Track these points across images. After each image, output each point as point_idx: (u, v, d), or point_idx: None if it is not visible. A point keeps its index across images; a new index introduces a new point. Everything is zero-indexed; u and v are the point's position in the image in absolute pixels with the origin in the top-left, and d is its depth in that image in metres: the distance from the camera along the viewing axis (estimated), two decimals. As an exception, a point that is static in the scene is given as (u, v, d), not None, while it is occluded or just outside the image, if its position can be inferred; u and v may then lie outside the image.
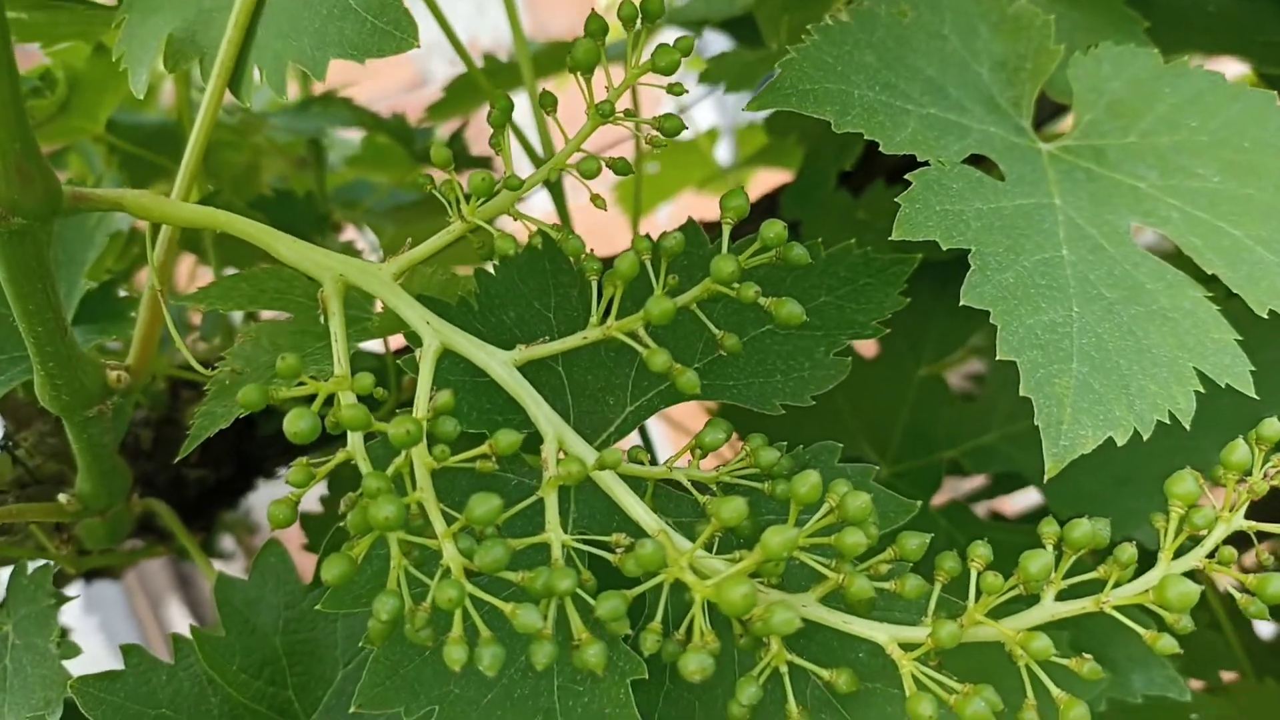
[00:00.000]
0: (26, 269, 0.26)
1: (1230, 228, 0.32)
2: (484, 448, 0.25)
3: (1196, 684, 0.57)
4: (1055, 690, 0.26)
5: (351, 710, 0.28)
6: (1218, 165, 0.34)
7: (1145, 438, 0.26)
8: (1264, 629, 0.69)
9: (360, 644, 0.28)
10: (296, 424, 0.23)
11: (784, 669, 0.27)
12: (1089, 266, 0.30)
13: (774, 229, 0.27)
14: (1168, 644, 0.26)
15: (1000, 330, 0.26)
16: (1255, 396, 0.28)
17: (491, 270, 0.35)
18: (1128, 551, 0.26)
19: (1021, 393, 0.26)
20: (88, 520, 0.41)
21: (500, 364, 0.27)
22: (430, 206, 0.69)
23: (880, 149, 0.29)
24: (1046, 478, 0.25)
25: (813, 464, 0.31)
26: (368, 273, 0.27)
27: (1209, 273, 0.31)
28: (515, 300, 0.35)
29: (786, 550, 0.23)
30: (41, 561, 0.38)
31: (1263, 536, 0.27)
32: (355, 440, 0.25)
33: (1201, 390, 0.28)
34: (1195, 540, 0.27)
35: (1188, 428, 0.27)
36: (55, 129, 0.47)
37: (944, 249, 0.27)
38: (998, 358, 0.26)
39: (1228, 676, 0.58)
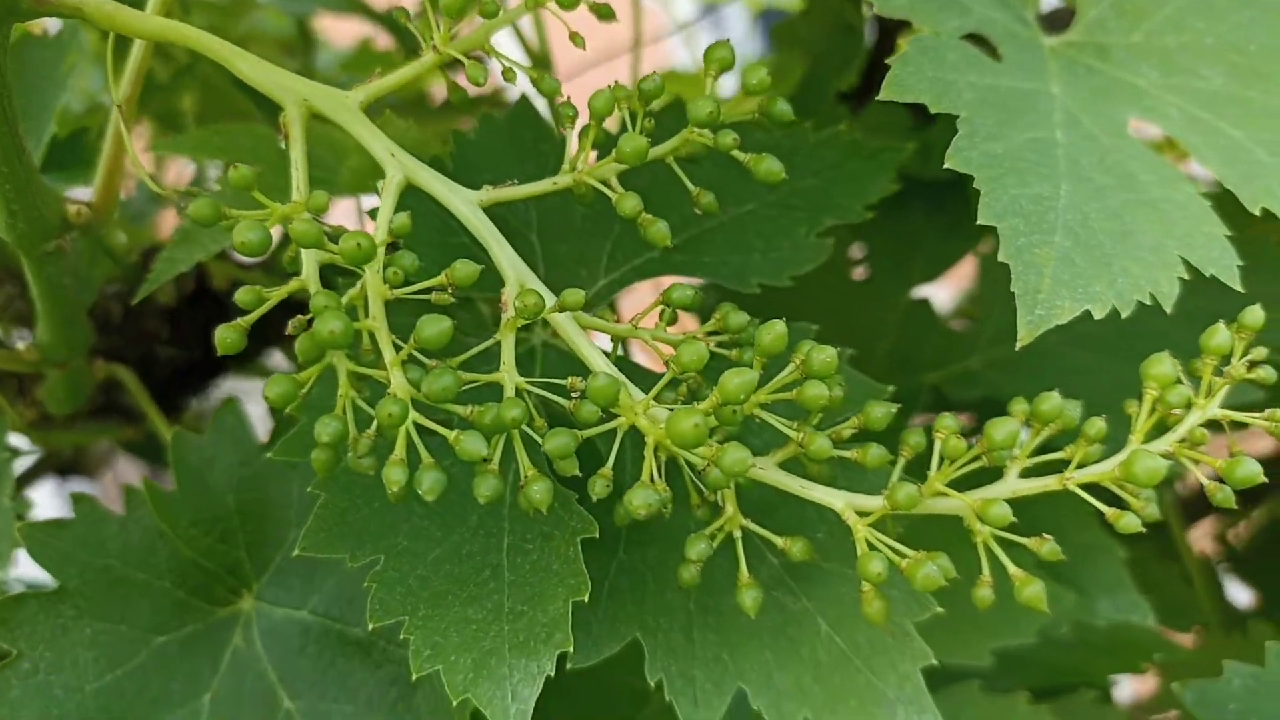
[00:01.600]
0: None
1: (1230, 128, 0.31)
2: (440, 278, 0.24)
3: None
4: (1012, 568, 0.25)
5: (295, 553, 0.27)
6: (1223, 68, 0.33)
7: (1124, 315, 0.25)
8: (1239, 597, 0.69)
9: (309, 489, 0.27)
10: (245, 234, 0.22)
11: (737, 534, 0.26)
12: (1081, 151, 0.29)
13: (756, 74, 0.26)
14: (1130, 523, 0.25)
15: (983, 196, 0.25)
16: (1240, 289, 0.27)
17: (470, 133, 0.34)
18: (1096, 425, 0.26)
19: (1000, 258, 0.25)
20: (49, 382, 0.41)
21: (465, 203, 0.26)
22: (443, 110, 0.67)
23: (875, 9, 0.28)
24: (1020, 344, 0.24)
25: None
26: (333, 98, 0.26)
27: (1204, 167, 0.30)
28: (492, 165, 0.34)
29: (744, 393, 0.22)
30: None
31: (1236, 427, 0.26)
32: (309, 261, 0.24)
33: (1186, 277, 0.27)
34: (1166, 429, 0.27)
35: (1168, 311, 0.26)
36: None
37: (931, 111, 0.26)
38: (979, 221, 0.25)
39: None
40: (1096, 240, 0.26)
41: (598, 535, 0.27)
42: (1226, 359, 0.26)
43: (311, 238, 0.23)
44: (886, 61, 0.27)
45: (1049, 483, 0.25)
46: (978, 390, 0.48)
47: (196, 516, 0.34)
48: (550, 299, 0.26)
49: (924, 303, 0.50)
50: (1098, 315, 0.25)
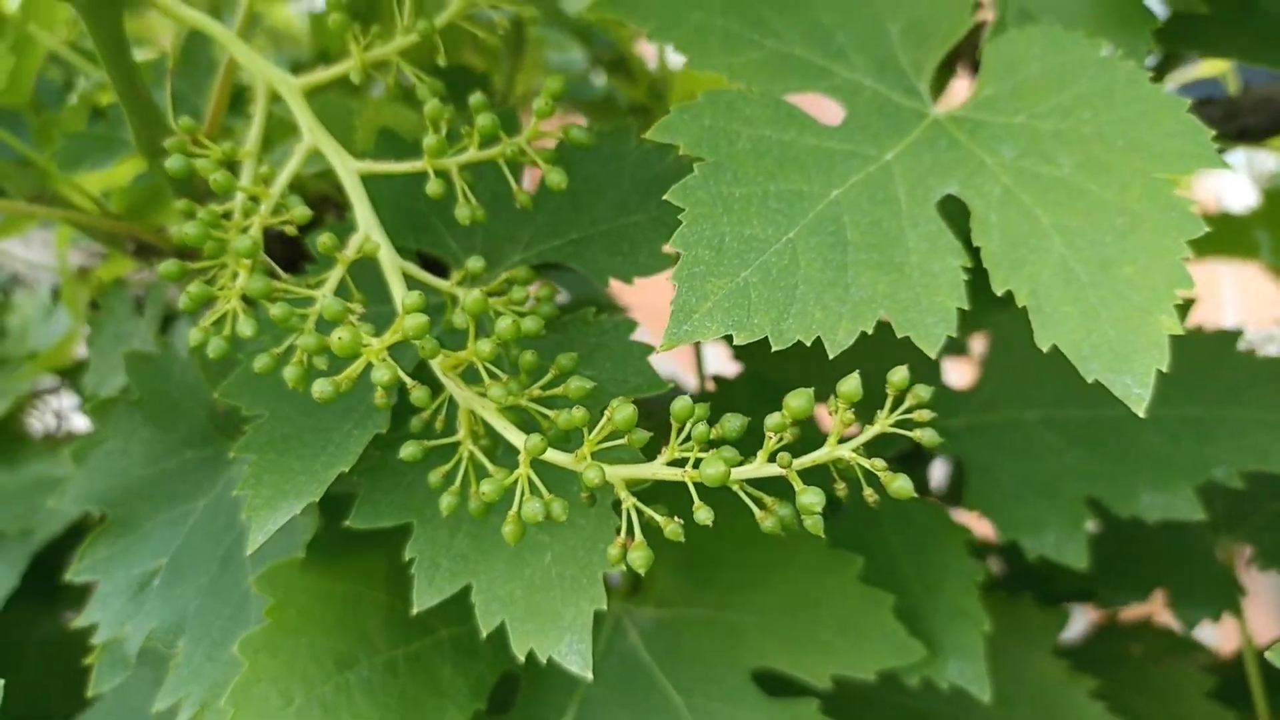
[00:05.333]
0: (114, 41, 0.39)
1: (1043, 214, 0.32)
2: (290, 215, 0.34)
3: None
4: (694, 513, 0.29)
5: (215, 396, 0.39)
6: (1081, 158, 0.33)
7: (774, 349, 0.29)
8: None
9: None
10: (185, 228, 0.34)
11: (464, 454, 0.33)
12: (854, 210, 0.32)
13: (555, 82, 0.33)
14: (771, 525, 0.28)
15: (683, 227, 0.30)
16: (931, 356, 0.29)
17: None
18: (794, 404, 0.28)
19: (672, 278, 0.30)
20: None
21: (345, 169, 0.35)
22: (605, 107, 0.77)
23: (688, 64, 0.33)
24: (658, 352, 0.29)
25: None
26: (285, 83, 0.36)
27: (975, 245, 0.31)
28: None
29: (510, 335, 0.30)
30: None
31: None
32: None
33: (868, 332, 0.29)
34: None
35: (830, 357, 0.29)
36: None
37: (681, 153, 0.31)
38: (665, 246, 0.30)
39: None
40: (791, 283, 0.30)
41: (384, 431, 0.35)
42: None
43: (225, 186, 0.34)
44: (671, 106, 0.32)
45: (675, 473, 0.30)
46: (951, 449, 0.49)
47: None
48: (387, 248, 0.35)
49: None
50: (738, 341, 0.29)
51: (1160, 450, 0.41)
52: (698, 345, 0.59)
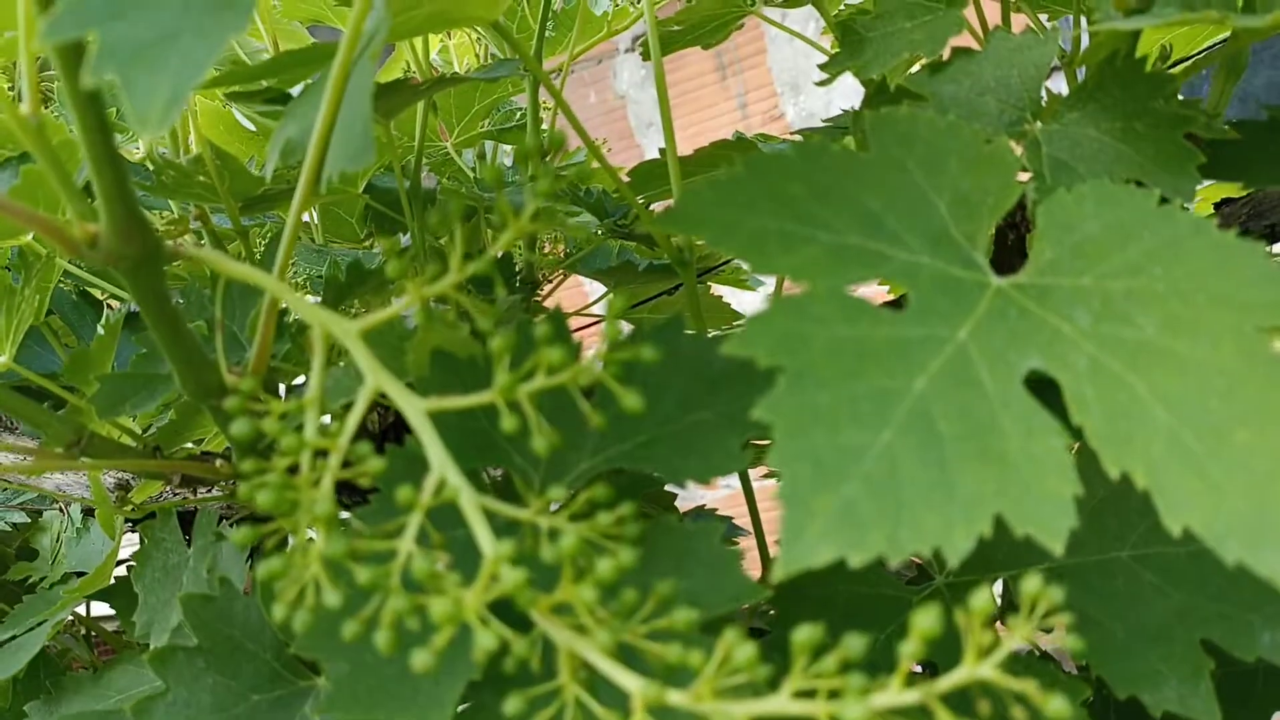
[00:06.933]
0: (155, 296, 0.39)
1: (1137, 383, 0.31)
2: (356, 468, 0.33)
3: None
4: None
5: (291, 651, 0.37)
6: (1161, 316, 0.32)
7: (891, 563, 0.28)
8: None
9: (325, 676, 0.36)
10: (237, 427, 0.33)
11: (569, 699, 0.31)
12: (940, 400, 0.31)
13: (620, 300, 0.32)
14: None
15: (777, 443, 0.29)
16: (1057, 552, 0.28)
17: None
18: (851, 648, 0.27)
19: (776, 495, 0.29)
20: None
21: (413, 409, 0.35)
22: (655, 274, 0.78)
23: (751, 268, 0.33)
24: (774, 580, 0.28)
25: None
26: (341, 326, 0.36)
27: (1076, 423, 0.30)
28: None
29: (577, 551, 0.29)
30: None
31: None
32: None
33: (986, 534, 0.28)
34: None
35: (954, 564, 0.28)
36: (318, 195, 0.63)
37: (761, 365, 0.31)
38: (769, 466, 0.29)
39: None
40: (897, 489, 0.29)
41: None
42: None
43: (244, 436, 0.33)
44: (746, 316, 0.32)
45: (810, 707, 0.28)
46: (1043, 596, 0.47)
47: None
48: (467, 493, 0.33)
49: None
50: (854, 563, 0.28)
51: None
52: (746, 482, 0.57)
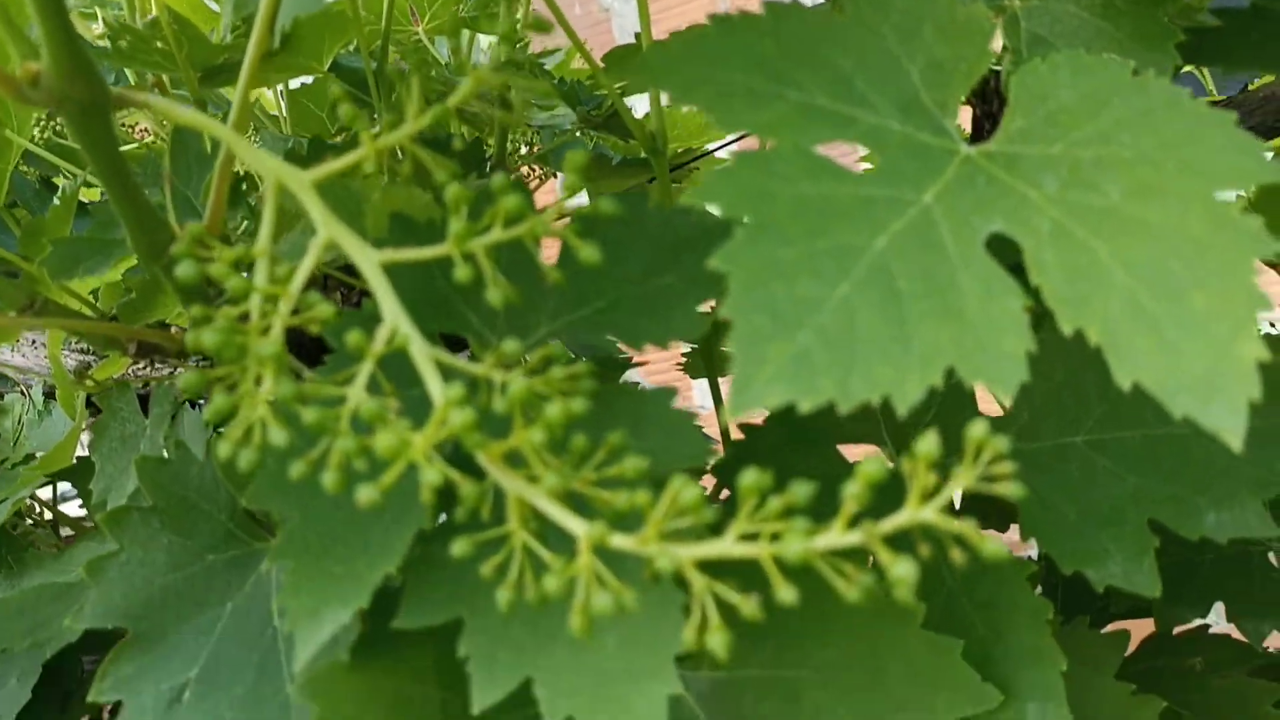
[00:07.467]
0: (104, 146, 0.37)
1: (1100, 247, 0.31)
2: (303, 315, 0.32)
3: None
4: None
5: (243, 502, 0.37)
6: (1129, 183, 0.32)
7: (843, 411, 0.28)
8: None
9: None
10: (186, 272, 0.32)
11: (517, 545, 0.32)
12: (902, 258, 0.31)
13: (578, 156, 0.31)
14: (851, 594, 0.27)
15: (732, 292, 0.29)
16: (1006, 404, 0.28)
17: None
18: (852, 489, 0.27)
19: (728, 347, 0.28)
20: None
21: (368, 261, 0.34)
22: (629, 169, 0.77)
23: (715, 123, 0.32)
24: (726, 420, 0.28)
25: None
26: (294, 176, 0.35)
27: (1034, 284, 0.30)
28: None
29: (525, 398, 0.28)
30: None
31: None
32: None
33: (938, 386, 0.28)
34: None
35: (903, 414, 0.28)
36: (281, 64, 0.61)
37: (722, 216, 0.30)
38: (720, 314, 0.29)
39: None
40: (852, 341, 0.29)
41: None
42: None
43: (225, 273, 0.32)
44: (709, 171, 0.31)
45: (752, 549, 0.28)
46: (998, 482, 0.47)
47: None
48: (421, 344, 0.33)
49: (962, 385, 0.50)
50: (804, 408, 0.27)
51: (1221, 466, 0.40)
52: (715, 386, 0.57)
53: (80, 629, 0.56)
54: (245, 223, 0.55)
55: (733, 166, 0.31)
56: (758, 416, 0.54)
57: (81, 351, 0.84)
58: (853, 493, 0.26)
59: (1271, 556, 0.53)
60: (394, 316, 0.33)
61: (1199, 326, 0.28)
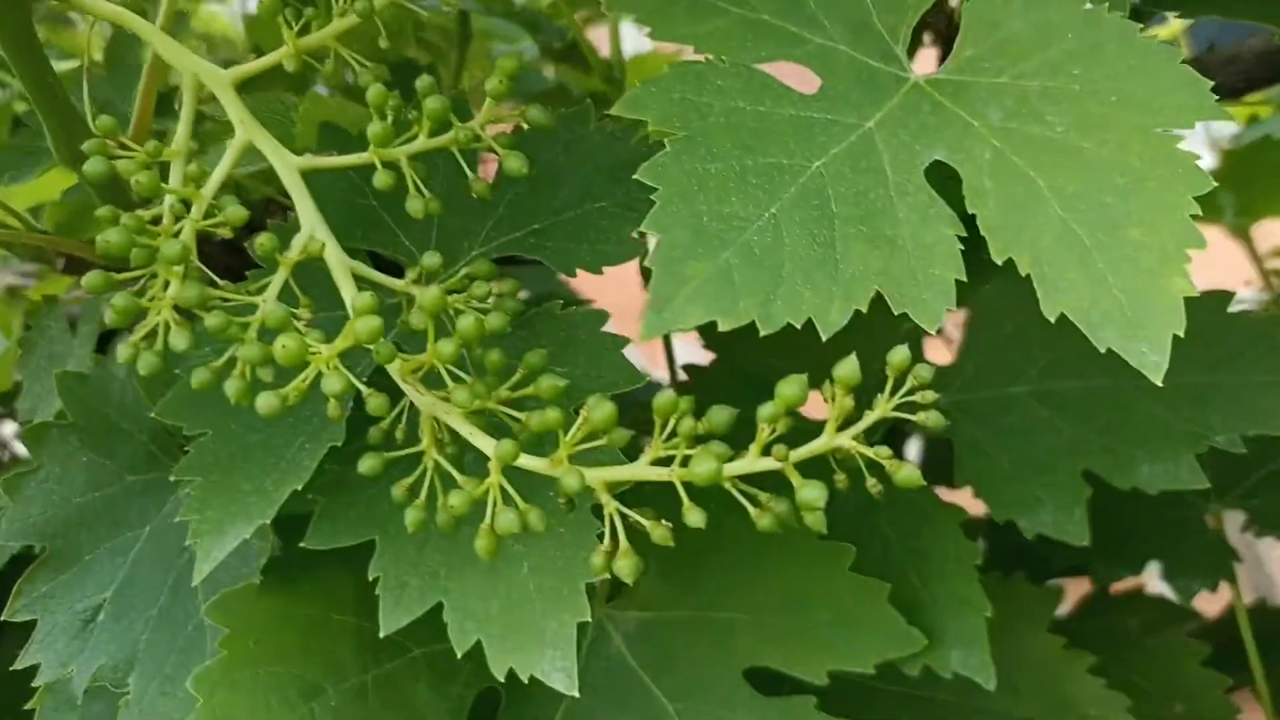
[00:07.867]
0: (18, 31, 0.36)
1: (1038, 177, 0.30)
2: (220, 217, 0.31)
3: None
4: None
5: (153, 415, 0.36)
6: (1073, 116, 0.31)
7: (762, 334, 0.27)
8: None
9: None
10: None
11: (428, 463, 0.31)
12: (838, 182, 0.30)
13: (509, 61, 0.30)
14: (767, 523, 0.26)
15: (657, 206, 0.28)
16: (931, 331, 0.27)
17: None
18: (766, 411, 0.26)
19: (648, 263, 0.27)
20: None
21: (285, 166, 0.33)
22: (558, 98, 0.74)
23: (650, 35, 0.31)
24: (638, 341, 0.27)
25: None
26: (214, 76, 0.33)
27: (970, 213, 0.29)
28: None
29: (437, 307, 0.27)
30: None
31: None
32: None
33: (863, 310, 0.27)
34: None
35: (824, 338, 0.27)
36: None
37: (650, 130, 0.29)
38: (639, 228, 0.28)
39: None
40: (777, 262, 0.28)
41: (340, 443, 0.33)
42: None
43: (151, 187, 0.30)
44: (641, 82, 0.30)
45: (662, 472, 0.27)
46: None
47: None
48: (331, 243, 0.32)
49: (915, 331, 0.50)
50: (723, 328, 0.27)
51: (1158, 419, 0.40)
52: (667, 335, 0.56)
53: (8, 548, 0.55)
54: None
55: (665, 77, 0.30)
56: (702, 360, 0.53)
57: (23, 275, 0.82)
58: (766, 415, 0.26)
59: (1208, 518, 0.53)
60: (311, 224, 0.32)
61: (1129, 260, 0.27)
